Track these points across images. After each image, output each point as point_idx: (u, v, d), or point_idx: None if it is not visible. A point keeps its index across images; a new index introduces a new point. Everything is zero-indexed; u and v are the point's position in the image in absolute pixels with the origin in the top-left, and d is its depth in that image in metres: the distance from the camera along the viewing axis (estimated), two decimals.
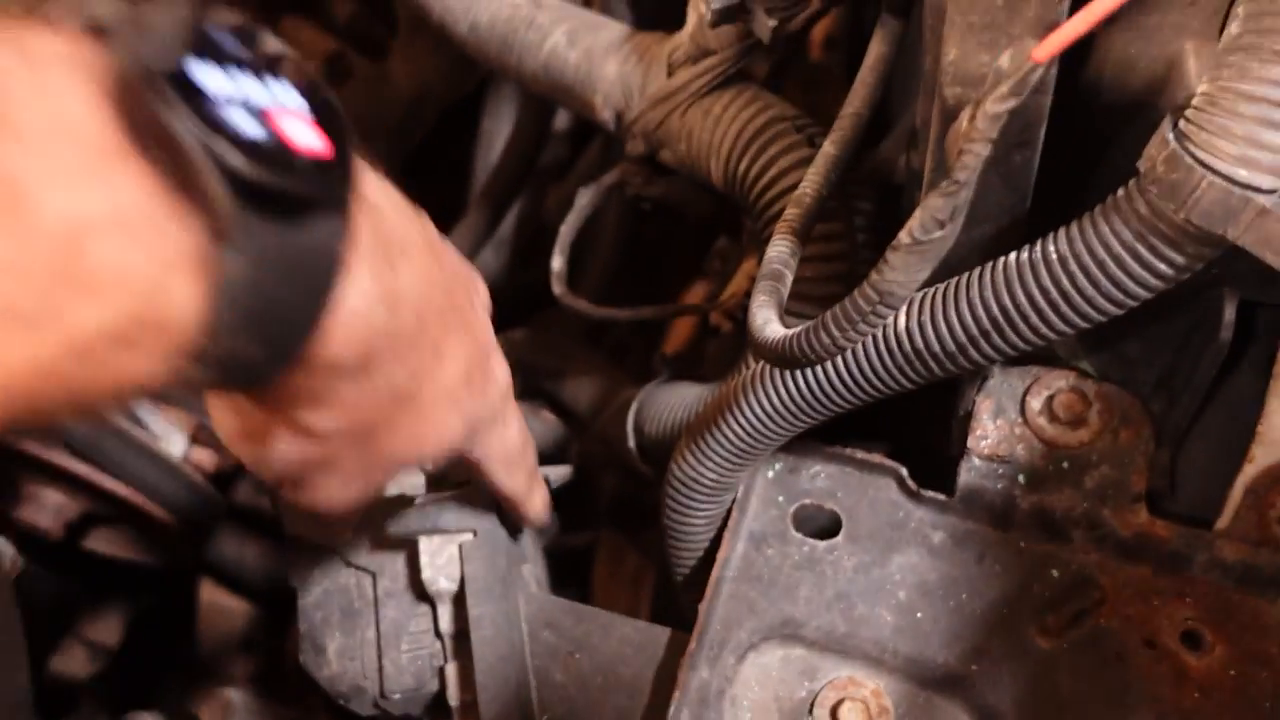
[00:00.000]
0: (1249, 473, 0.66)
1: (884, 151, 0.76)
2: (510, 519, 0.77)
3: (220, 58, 0.39)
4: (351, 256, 0.44)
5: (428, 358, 0.53)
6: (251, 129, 0.38)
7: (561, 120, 1.33)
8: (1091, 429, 0.70)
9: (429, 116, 1.42)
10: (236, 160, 0.37)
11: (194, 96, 0.37)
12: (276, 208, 0.39)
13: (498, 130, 1.34)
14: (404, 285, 0.49)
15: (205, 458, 1.39)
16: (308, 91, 0.42)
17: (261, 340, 0.42)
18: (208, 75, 0.38)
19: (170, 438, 1.32)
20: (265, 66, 0.41)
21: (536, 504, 0.74)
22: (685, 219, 1.06)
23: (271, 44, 0.42)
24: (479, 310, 0.62)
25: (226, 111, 0.37)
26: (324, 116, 0.42)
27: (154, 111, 0.36)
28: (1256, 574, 0.66)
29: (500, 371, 0.64)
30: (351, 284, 0.45)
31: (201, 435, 1.37)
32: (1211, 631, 0.66)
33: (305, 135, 0.41)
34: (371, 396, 0.50)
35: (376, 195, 0.49)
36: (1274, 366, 0.64)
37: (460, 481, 0.76)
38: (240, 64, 0.40)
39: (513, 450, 0.68)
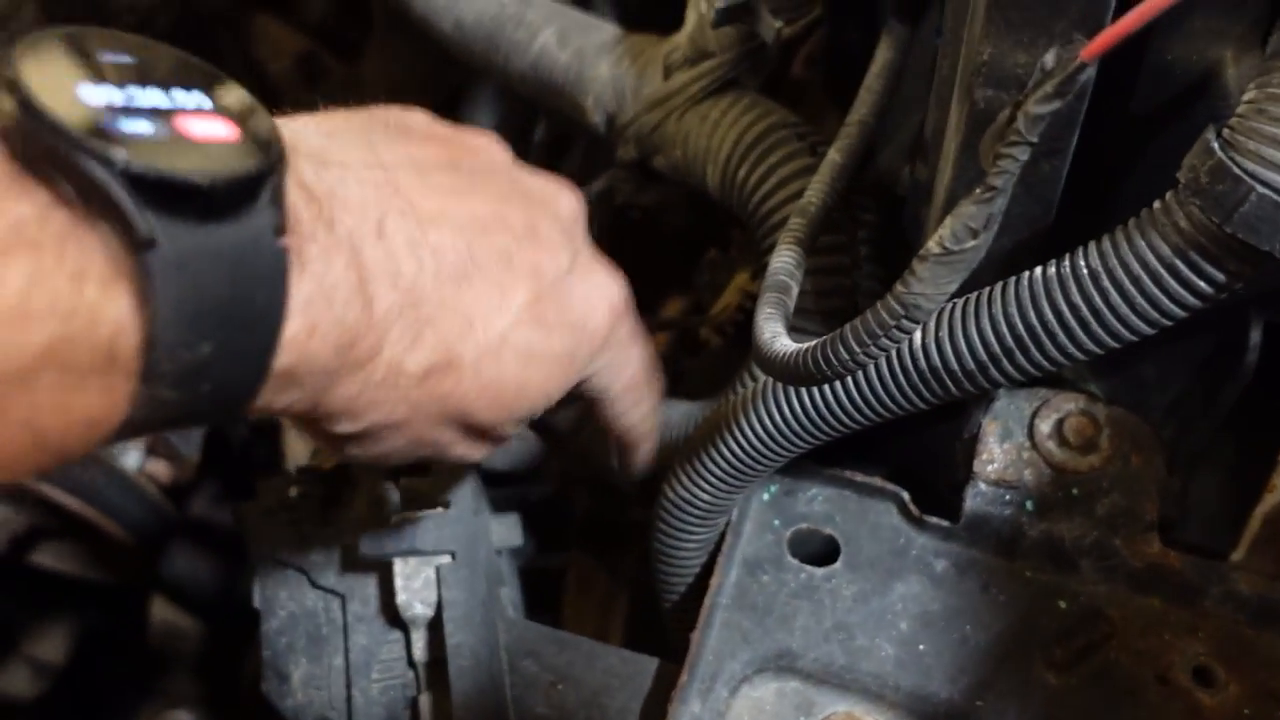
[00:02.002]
0: (1269, 502, 0.63)
1: (884, 162, 0.73)
2: (620, 464, 0.72)
3: (112, 77, 0.39)
4: (300, 240, 0.42)
5: (450, 322, 0.49)
6: (142, 128, 0.38)
7: (539, 130, 1.30)
8: (1102, 454, 0.67)
9: None
10: (122, 155, 0.36)
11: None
12: (190, 204, 0.37)
13: None
14: (399, 245, 0.47)
15: (160, 470, 1.34)
16: (213, 90, 0.42)
17: (223, 349, 0.39)
18: (96, 94, 0.37)
19: (125, 450, 1.27)
20: (166, 78, 0.40)
21: (650, 446, 0.70)
22: (667, 231, 1.03)
23: (169, 58, 0.42)
24: (556, 223, 0.56)
25: (116, 119, 0.37)
26: (235, 111, 0.41)
27: (40, 137, 0.35)
28: (1273, 609, 0.64)
29: (607, 287, 0.58)
30: (309, 270, 0.42)
31: (158, 447, 1.31)
32: (1225, 668, 0.64)
33: (209, 127, 0.40)
34: (401, 386, 0.48)
35: (343, 154, 0.47)
36: None
37: (438, 500, 0.72)
38: (136, 80, 0.39)
39: (637, 376, 0.63)
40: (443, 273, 0.49)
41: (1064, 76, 0.42)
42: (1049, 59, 0.42)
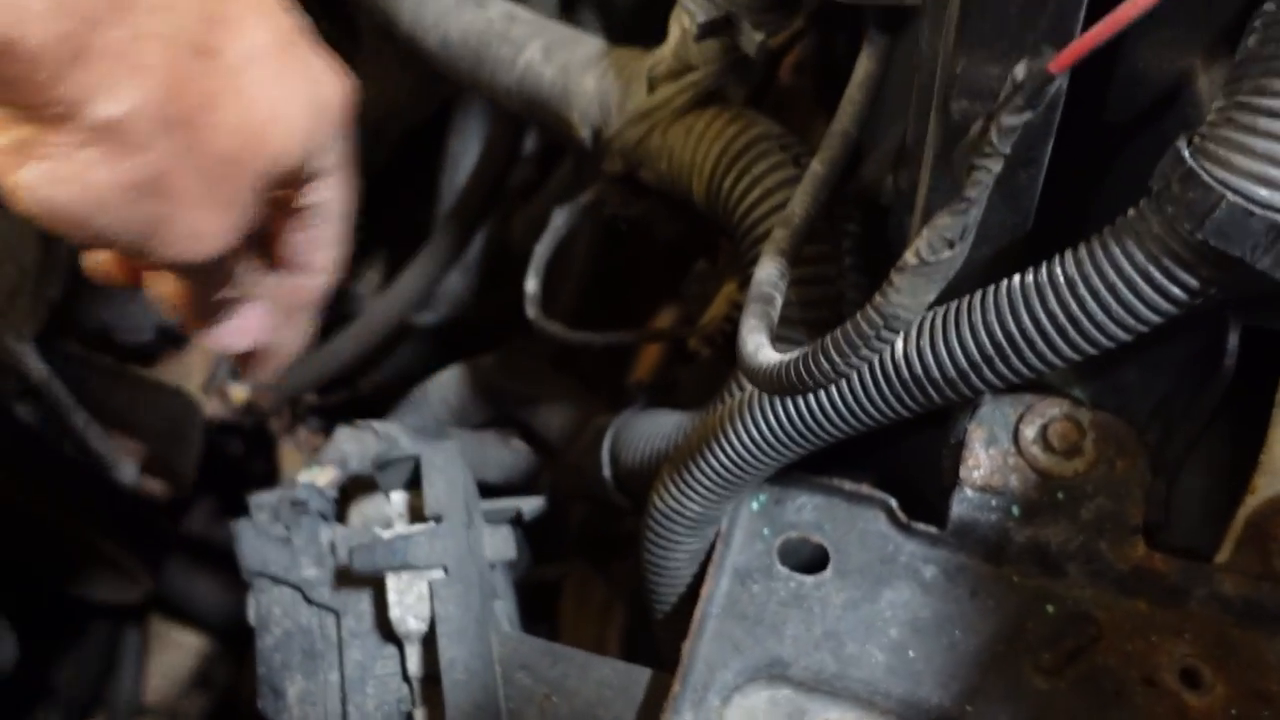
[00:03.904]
0: (1250, 504, 0.64)
1: (867, 172, 0.74)
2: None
3: None
4: None
5: (226, 5, 0.45)
6: None
7: (529, 142, 1.31)
8: (1087, 459, 0.68)
9: (394, 136, 1.39)
10: None
11: None
12: None
13: (464, 151, 1.31)
14: None
15: (156, 486, 1.34)
16: None
17: None
18: None
19: (119, 466, 1.27)
20: None
21: (305, 335, 0.62)
22: (657, 240, 1.04)
23: None
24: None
25: None
26: None
27: None
28: (1258, 609, 0.64)
29: (335, 76, 0.52)
30: None
31: (154, 464, 1.32)
32: (1211, 669, 0.64)
33: None
34: (156, 45, 0.42)
35: None
36: (1276, 394, 0.62)
37: (432, 516, 0.72)
38: None
39: (348, 206, 0.57)
40: None
41: (1034, 89, 0.42)
42: (1019, 71, 0.43)
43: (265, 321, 0.59)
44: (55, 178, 0.42)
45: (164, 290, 0.56)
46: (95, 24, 0.40)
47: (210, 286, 0.55)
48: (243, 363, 0.63)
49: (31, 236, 1.05)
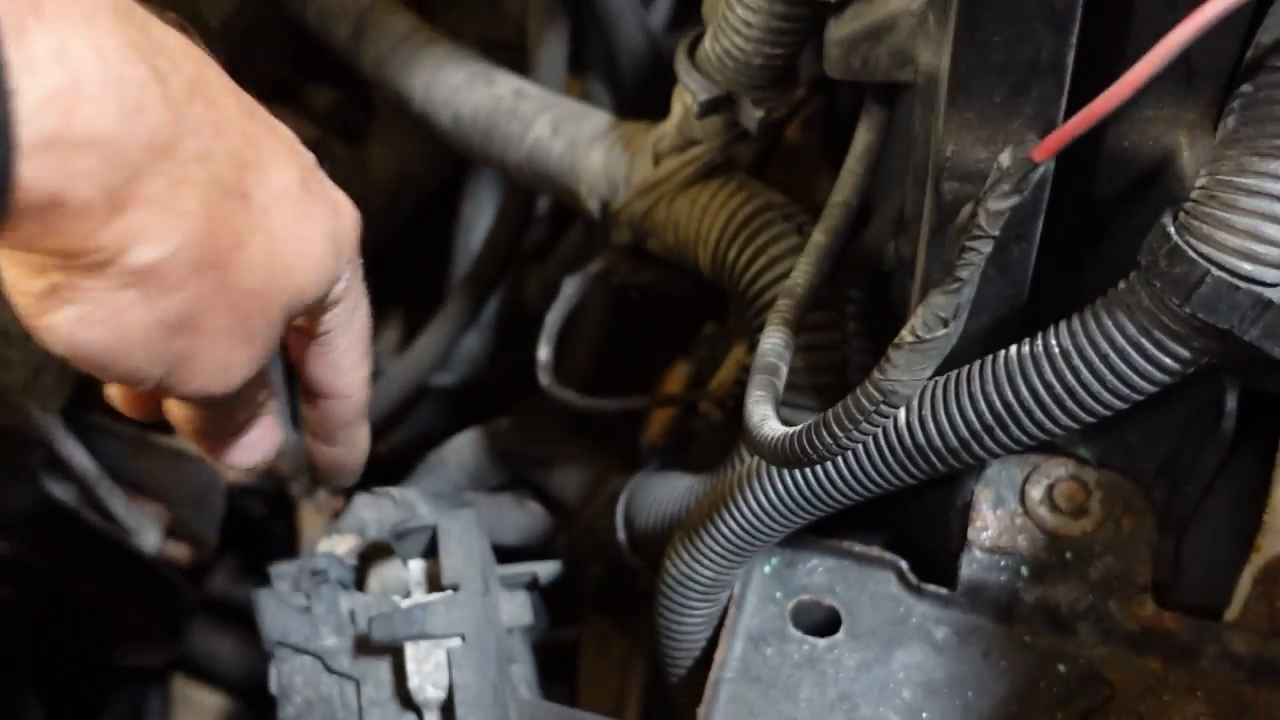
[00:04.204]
0: (1256, 562, 0.64)
1: (870, 238, 0.76)
2: (326, 457, 0.64)
3: None
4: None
5: (239, 142, 0.45)
6: None
7: (542, 203, 1.33)
8: (1094, 518, 0.69)
9: (409, 201, 1.42)
10: None
11: None
12: None
13: (477, 215, 1.33)
14: (158, 40, 0.42)
15: (179, 551, 1.36)
16: None
17: None
18: None
19: (143, 532, 1.29)
20: None
21: (363, 433, 0.63)
22: (667, 303, 1.06)
23: None
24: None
25: None
26: None
27: None
28: (1269, 667, 0.65)
29: (349, 206, 0.54)
30: (56, 39, 0.37)
31: (177, 529, 1.34)
32: None
33: None
34: (194, 191, 0.42)
35: None
36: (1277, 454, 0.63)
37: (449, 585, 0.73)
38: None
39: (367, 331, 0.58)
40: (225, 103, 0.45)
41: (1019, 175, 0.44)
42: (1004, 158, 0.44)
43: (276, 434, 0.60)
44: (89, 321, 0.42)
45: (181, 418, 0.57)
46: (138, 174, 0.40)
47: (228, 413, 0.57)
48: (317, 479, 0.66)
49: None
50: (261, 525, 1.52)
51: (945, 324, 0.47)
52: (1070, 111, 0.46)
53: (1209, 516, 0.68)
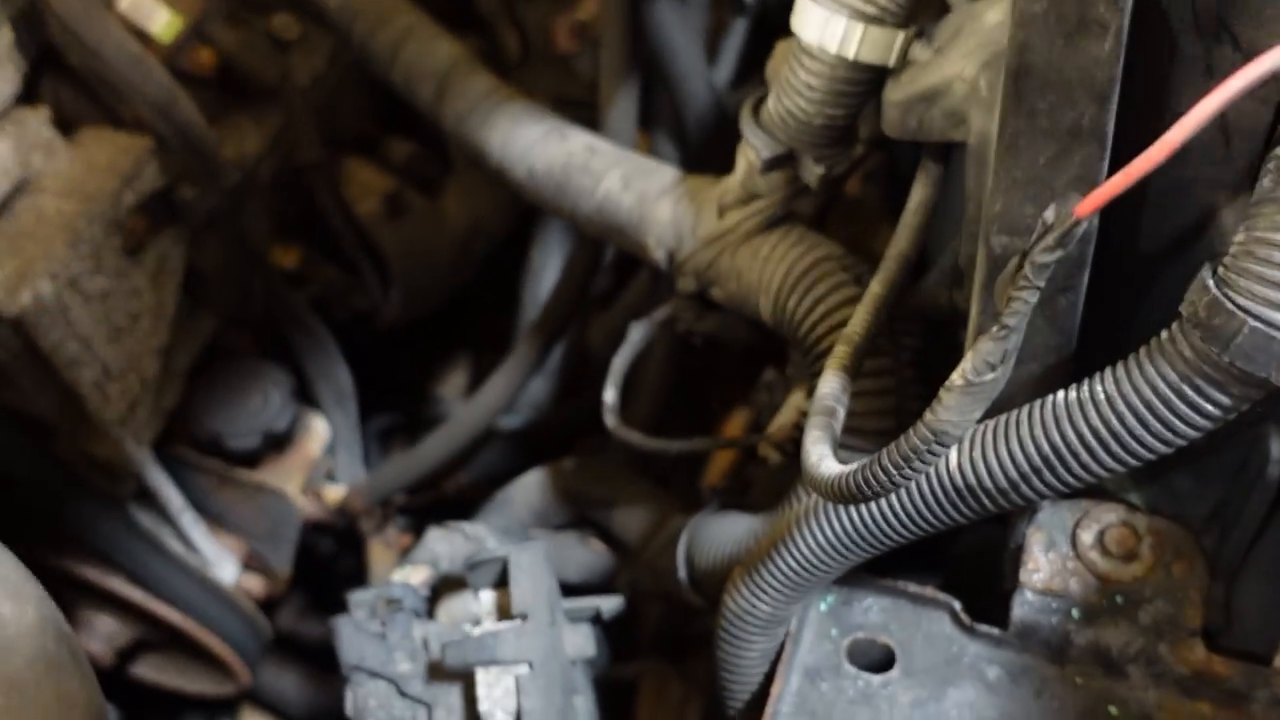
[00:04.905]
0: None
1: (926, 287, 0.79)
2: None
3: None
4: None
5: None
6: None
7: (608, 252, 1.37)
8: (1144, 563, 0.70)
9: (481, 250, 1.48)
10: None
11: None
12: None
13: (546, 264, 1.39)
14: None
15: (255, 584, 1.41)
16: None
17: None
18: None
19: (222, 564, 1.34)
20: None
21: None
22: (729, 350, 1.09)
23: None
24: None
25: None
26: None
27: None
28: None
29: None
30: None
31: (253, 562, 1.39)
32: None
33: None
34: None
35: None
36: None
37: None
38: None
39: None
40: None
41: (1064, 230, 0.47)
42: (1049, 214, 0.47)
43: None
44: None
45: None
46: None
47: None
48: None
49: (153, 352, 1.14)
50: (329, 562, 1.57)
51: (993, 369, 0.50)
52: (1112, 171, 0.49)
53: (1258, 562, 0.69)
